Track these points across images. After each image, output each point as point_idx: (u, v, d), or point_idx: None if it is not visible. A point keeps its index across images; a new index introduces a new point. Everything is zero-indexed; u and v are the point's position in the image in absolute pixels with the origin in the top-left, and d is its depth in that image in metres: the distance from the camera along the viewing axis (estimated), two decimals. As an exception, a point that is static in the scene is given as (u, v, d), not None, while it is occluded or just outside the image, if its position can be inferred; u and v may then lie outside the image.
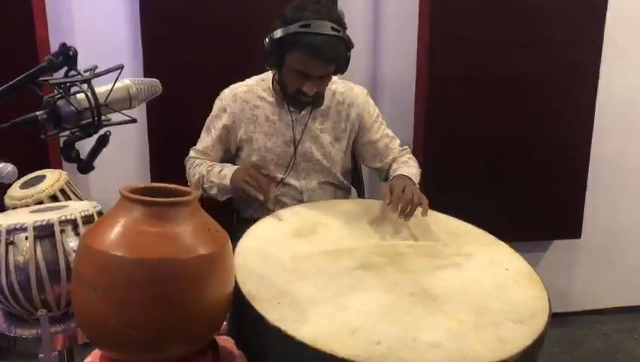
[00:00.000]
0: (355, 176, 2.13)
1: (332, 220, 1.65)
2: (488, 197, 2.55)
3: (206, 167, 1.88)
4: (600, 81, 2.65)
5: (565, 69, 2.58)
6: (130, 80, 1.03)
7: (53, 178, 1.75)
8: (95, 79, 0.97)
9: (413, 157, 2.00)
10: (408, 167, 1.89)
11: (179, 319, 1.11)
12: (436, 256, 1.49)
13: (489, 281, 1.38)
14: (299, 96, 1.78)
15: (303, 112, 1.88)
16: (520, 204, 2.68)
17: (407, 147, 2.03)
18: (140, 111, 2.31)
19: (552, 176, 2.69)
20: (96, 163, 1.05)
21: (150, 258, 1.07)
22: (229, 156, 1.96)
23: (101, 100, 0.95)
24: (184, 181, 1.93)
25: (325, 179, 1.94)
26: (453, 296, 1.30)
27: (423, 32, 2.46)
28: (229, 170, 1.82)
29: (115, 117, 1.07)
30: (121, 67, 0.94)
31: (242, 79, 1.95)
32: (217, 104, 1.92)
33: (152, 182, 2.40)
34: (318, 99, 1.85)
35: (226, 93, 1.91)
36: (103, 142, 0.96)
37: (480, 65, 2.49)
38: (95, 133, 0.95)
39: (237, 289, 1.24)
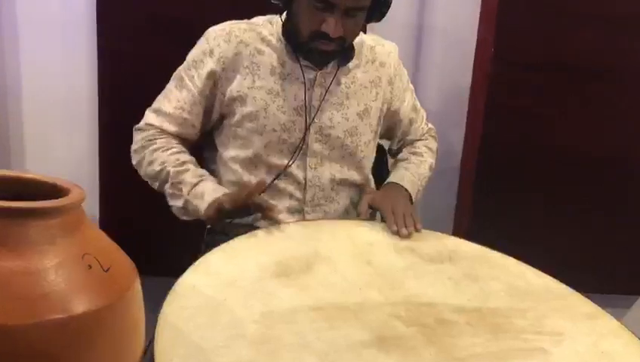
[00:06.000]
0: (378, 169, 1.64)
1: (337, 252, 1.14)
2: (562, 228, 2.14)
3: (174, 160, 1.35)
4: None
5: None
6: None
7: None
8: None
9: (432, 145, 1.65)
10: (415, 167, 1.55)
11: None
12: (503, 332, 0.96)
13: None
14: (316, 42, 1.30)
15: (327, 69, 1.39)
16: (606, 241, 2.22)
17: (431, 126, 1.67)
18: (90, 72, 1.92)
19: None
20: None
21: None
22: (207, 125, 1.44)
23: None
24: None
25: (342, 176, 1.45)
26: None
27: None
28: (209, 186, 1.32)
29: None
30: None
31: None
32: (200, 45, 1.41)
33: (100, 164, 1.92)
34: (343, 51, 1.37)
35: (216, 31, 1.40)
36: None
37: (558, 48, 2.09)
38: None
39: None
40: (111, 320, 0.68)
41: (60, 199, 0.67)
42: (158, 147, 1.37)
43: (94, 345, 0.66)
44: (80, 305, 0.64)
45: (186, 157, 1.38)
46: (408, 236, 1.24)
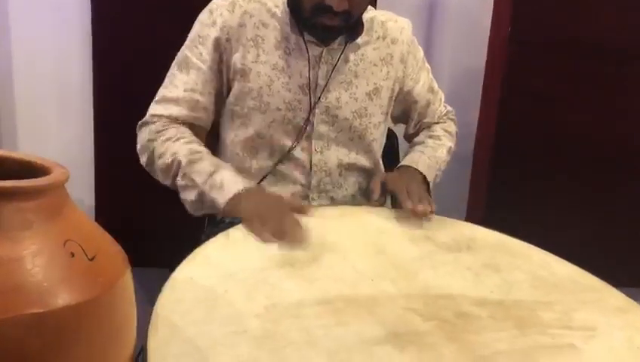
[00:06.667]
0: (389, 154, 1.56)
1: (346, 241, 1.07)
2: (581, 218, 2.06)
3: (186, 149, 1.22)
4: None
5: None
6: None
7: None
8: None
9: (451, 128, 1.56)
10: (431, 151, 1.47)
11: None
12: (529, 326, 0.89)
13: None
14: (319, 16, 1.22)
15: (334, 45, 1.31)
16: (629, 231, 2.14)
17: (450, 109, 1.58)
18: (84, 54, 1.83)
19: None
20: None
21: None
22: (219, 107, 1.34)
23: None
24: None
25: (349, 160, 1.37)
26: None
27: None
28: (228, 176, 1.19)
29: None
30: None
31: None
32: (202, 19, 1.31)
33: (96, 150, 1.86)
34: (350, 27, 1.29)
35: (217, 2, 1.31)
36: None
37: (579, 26, 1.99)
38: None
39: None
40: (96, 315, 0.62)
41: (37, 179, 0.60)
42: (168, 137, 1.24)
43: (77, 343, 0.60)
44: (60, 299, 0.58)
45: (200, 147, 1.25)
46: (425, 215, 1.17)
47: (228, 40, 1.27)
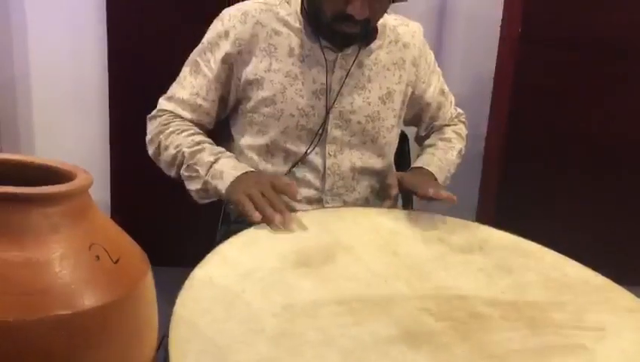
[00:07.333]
0: (400, 157, 1.57)
1: (360, 242, 1.08)
2: (594, 218, 2.04)
3: (189, 141, 1.27)
4: None
5: None
6: None
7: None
8: None
9: (462, 131, 1.56)
10: (442, 153, 1.47)
11: None
12: (541, 327, 0.90)
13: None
14: (339, 23, 1.23)
15: (348, 51, 1.32)
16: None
17: (460, 111, 1.59)
18: (99, 56, 1.84)
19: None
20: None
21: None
22: (222, 114, 1.38)
23: None
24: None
25: (362, 164, 1.38)
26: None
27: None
28: (228, 164, 1.24)
29: None
30: None
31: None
32: (215, 27, 1.33)
33: (111, 150, 1.87)
34: (367, 34, 1.31)
35: (231, 12, 1.32)
36: None
37: (590, 25, 1.95)
38: None
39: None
40: (120, 316, 0.63)
41: (64, 184, 0.62)
42: (173, 130, 1.30)
43: (102, 344, 0.61)
44: (86, 300, 0.59)
45: (202, 137, 1.30)
46: (451, 200, 1.20)
47: (240, 53, 1.29)
